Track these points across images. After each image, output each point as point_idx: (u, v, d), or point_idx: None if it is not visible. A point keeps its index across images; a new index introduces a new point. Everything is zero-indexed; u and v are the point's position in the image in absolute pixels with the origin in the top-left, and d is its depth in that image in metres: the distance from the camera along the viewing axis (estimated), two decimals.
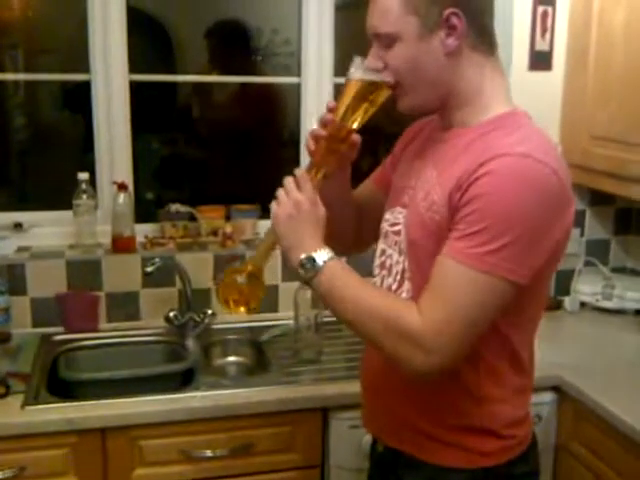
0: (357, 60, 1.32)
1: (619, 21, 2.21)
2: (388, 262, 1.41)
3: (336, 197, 1.46)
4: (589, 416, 1.95)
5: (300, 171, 1.34)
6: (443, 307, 1.19)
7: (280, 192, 1.32)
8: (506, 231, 1.15)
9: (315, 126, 1.37)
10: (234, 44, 2.67)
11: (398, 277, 1.37)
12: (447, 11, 1.23)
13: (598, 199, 2.63)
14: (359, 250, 1.66)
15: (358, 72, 1.32)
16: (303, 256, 1.27)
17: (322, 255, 1.27)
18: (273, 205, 1.33)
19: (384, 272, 1.42)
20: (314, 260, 1.26)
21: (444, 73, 1.28)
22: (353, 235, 1.58)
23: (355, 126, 1.35)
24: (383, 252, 1.43)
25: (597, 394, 1.94)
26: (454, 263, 1.18)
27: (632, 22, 2.16)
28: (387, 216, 1.44)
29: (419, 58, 1.27)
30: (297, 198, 1.30)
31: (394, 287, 1.38)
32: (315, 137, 1.35)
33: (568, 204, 1.25)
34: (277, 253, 2.36)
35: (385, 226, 1.44)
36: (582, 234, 2.68)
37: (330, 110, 1.34)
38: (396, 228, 1.39)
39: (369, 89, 1.32)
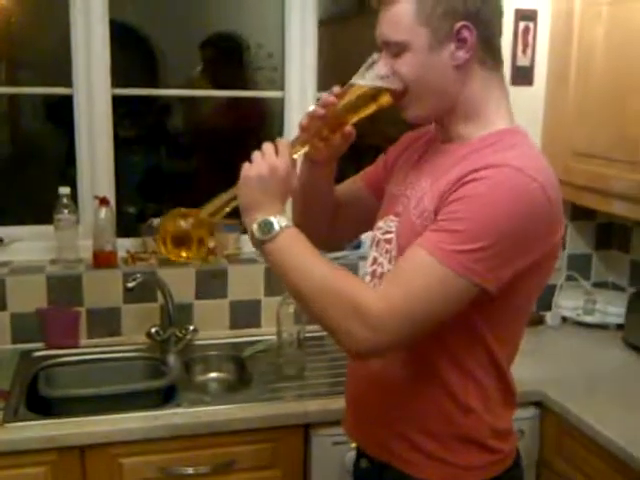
0: (370, 60, 1.32)
1: (599, 37, 2.23)
2: (379, 270, 1.41)
3: (318, 188, 1.47)
4: (572, 431, 1.95)
5: (282, 140, 1.32)
6: (403, 291, 1.18)
7: (256, 153, 1.30)
8: (483, 236, 1.16)
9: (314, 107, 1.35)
10: (228, 57, 2.68)
11: None
12: (458, 24, 1.24)
13: (579, 214, 2.65)
14: (329, 249, 1.66)
15: (368, 76, 1.31)
16: (261, 218, 1.25)
17: (281, 221, 1.24)
18: (245, 164, 1.30)
19: (375, 280, 1.41)
20: (272, 224, 1.24)
21: (451, 85, 1.29)
22: (327, 231, 1.56)
23: (351, 121, 1.35)
24: (375, 260, 1.43)
25: (579, 409, 1.95)
26: (425, 254, 1.17)
27: (612, 38, 2.18)
28: (380, 224, 1.44)
29: (427, 68, 1.27)
30: (272, 162, 1.28)
31: None
32: (311, 116, 1.34)
33: (554, 227, 1.25)
34: (260, 270, 2.43)
35: (377, 234, 1.43)
36: (563, 249, 2.69)
37: (335, 95, 1.32)
38: (388, 236, 1.39)
39: (374, 93, 1.31)
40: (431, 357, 1.32)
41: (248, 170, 1.29)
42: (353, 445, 1.54)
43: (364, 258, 1.50)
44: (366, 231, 1.60)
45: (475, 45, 1.26)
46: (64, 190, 2.30)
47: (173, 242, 1.36)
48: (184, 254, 1.37)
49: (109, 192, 2.42)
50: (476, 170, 1.20)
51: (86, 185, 2.43)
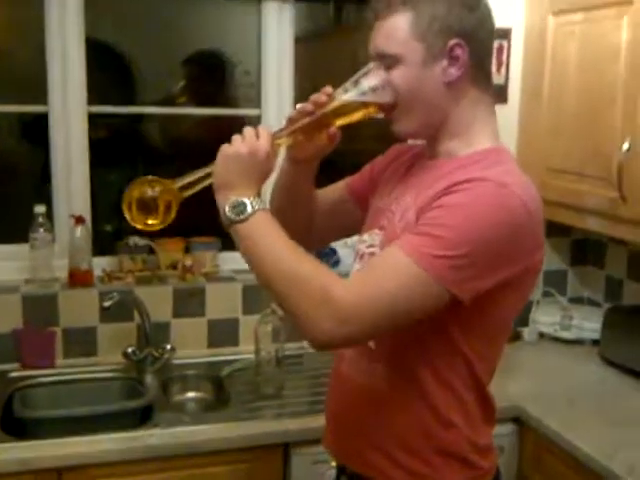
0: (365, 68, 1.32)
1: (572, 55, 2.26)
2: None
3: (298, 187, 1.47)
4: (550, 447, 1.96)
5: (264, 126, 1.32)
6: (373, 286, 1.18)
7: (236, 136, 1.29)
8: (462, 245, 1.16)
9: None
10: (211, 74, 2.68)
11: None
12: (452, 42, 1.26)
13: (555, 230, 2.66)
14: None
15: (360, 85, 1.31)
16: (234, 198, 1.24)
17: (254, 202, 1.23)
18: (224, 145, 1.29)
19: None
20: (245, 205, 1.23)
21: (441, 101, 1.30)
22: (304, 232, 1.53)
23: (338, 123, 1.35)
24: None
25: (557, 425, 1.96)
26: (403, 254, 1.17)
27: (584, 56, 2.21)
28: (364, 237, 1.44)
29: (419, 83, 1.28)
30: (252, 144, 1.27)
31: None
32: (300, 111, 1.33)
33: (535, 244, 1.27)
34: (238, 288, 2.42)
35: (362, 247, 1.44)
36: None
37: (327, 96, 1.32)
38: (372, 249, 1.39)
39: (364, 103, 1.32)
40: (415, 370, 1.32)
41: (227, 149, 1.28)
42: (333, 463, 1.54)
43: (346, 275, 1.50)
44: (343, 237, 1.62)
45: (467, 63, 1.28)
46: (39, 209, 2.28)
47: (139, 207, 1.32)
48: (150, 221, 1.32)
49: (85, 210, 2.40)
50: (460, 182, 1.21)
51: (62, 203, 2.41)
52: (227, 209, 1.23)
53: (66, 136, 2.38)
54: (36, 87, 2.37)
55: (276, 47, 2.51)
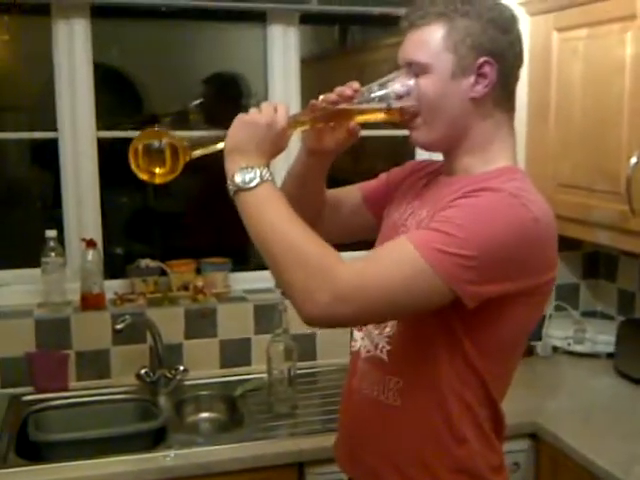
0: (393, 75, 1.33)
1: (577, 71, 2.27)
2: None
3: (310, 179, 1.47)
4: (567, 462, 1.95)
5: (282, 103, 1.31)
6: (377, 271, 1.17)
7: (253, 109, 1.29)
8: (471, 246, 1.16)
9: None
10: (229, 95, 2.70)
11: None
12: (482, 59, 1.27)
13: (566, 244, 2.63)
14: None
15: (385, 89, 1.32)
16: (244, 164, 1.23)
17: (265, 173, 1.23)
18: (242, 113, 1.29)
19: None
20: (254, 173, 1.22)
21: (464, 116, 1.31)
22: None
23: (358, 120, 1.35)
24: None
25: (573, 439, 1.95)
26: (411, 246, 1.17)
27: (589, 72, 2.22)
28: None
29: (445, 94, 1.29)
30: (270, 116, 1.27)
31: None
32: (324, 99, 1.33)
33: (545, 266, 1.27)
34: (249, 308, 2.43)
35: None
36: None
37: (352, 90, 1.32)
38: None
39: (387, 106, 1.33)
40: (428, 384, 1.32)
41: (244, 116, 1.28)
42: None
43: None
44: (348, 238, 1.60)
45: (494, 82, 1.29)
46: (51, 233, 2.30)
47: (145, 156, 1.29)
48: (157, 170, 1.30)
49: (96, 234, 2.42)
50: (475, 190, 1.22)
51: (73, 227, 2.43)
52: (236, 175, 1.23)
53: (76, 161, 2.40)
54: (47, 113, 2.39)
55: (282, 69, 2.53)
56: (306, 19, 2.55)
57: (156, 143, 1.29)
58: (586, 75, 2.24)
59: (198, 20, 2.51)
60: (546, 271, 1.27)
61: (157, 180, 1.31)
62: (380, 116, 1.34)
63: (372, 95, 1.32)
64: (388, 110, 1.32)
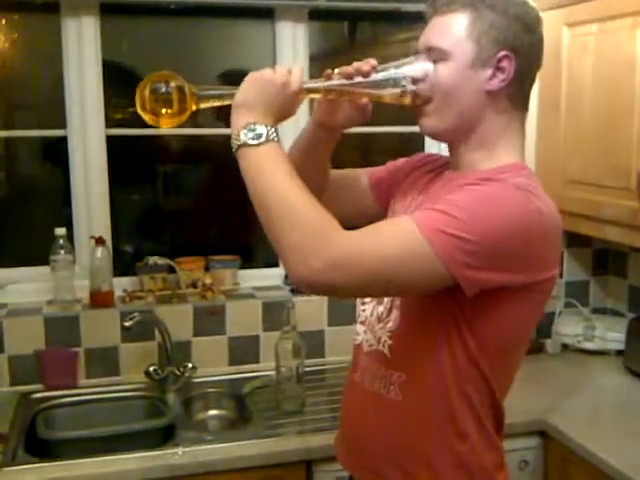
0: (410, 58, 1.32)
1: (587, 68, 2.26)
2: None
3: (315, 152, 1.46)
4: (576, 460, 1.94)
5: (297, 67, 1.31)
6: (375, 243, 1.16)
7: (268, 69, 1.28)
8: (473, 231, 1.15)
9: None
10: None
11: (388, 305, 1.38)
12: (503, 52, 1.27)
13: (575, 241, 2.66)
14: None
15: (401, 71, 1.31)
16: (252, 120, 1.21)
17: (272, 132, 1.21)
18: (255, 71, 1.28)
19: (375, 300, 1.42)
20: (262, 131, 1.20)
21: (476, 108, 1.30)
22: None
23: (369, 98, 1.35)
24: None
25: (582, 437, 1.94)
26: (413, 224, 1.16)
27: (600, 67, 2.21)
28: None
29: (461, 83, 1.28)
30: (285, 76, 1.26)
31: (385, 315, 1.38)
32: (340, 71, 1.32)
33: (544, 265, 1.26)
34: (258, 305, 2.43)
35: None
36: (561, 276, 2.69)
37: (370, 66, 1.31)
38: None
39: (402, 88, 1.32)
40: (431, 379, 1.32)
41: (257, 73, 1.27)
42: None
43: None
44: (348, 218, 1.57)
45: (510, 79, 1.28)
46: (60, 231, 2.31)
47: (152, 97, 1.27)
48: (163, 112, 1.27)
49: (105, 232, 2.42)
50: (482, 179, 1.23)
51: (82, 225, 2.44)
52: (242, 130, 1.21)
53: (85, 159, 2.41)
54: (57, 111, 2.40)
55: (291, 65, 2.52)
56: (315, 15, 2.54)
57: (164, 86, 1.27)
58: (596, 71, 2.23)
59: (207, 17, 2.51)
60: (548, 268, 1.27)
61: (162, 123, 1.29)
62: (393, 97, 1.33)
63: (388, 75, 1.32)
64: (402, 92, 1.31)
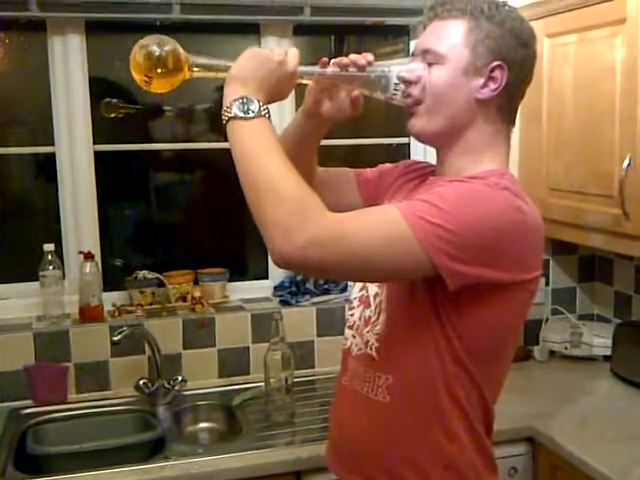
0: (405, 60, 1.36)
1: (568, 76, 2.28)
2: (365, 294, 1.44)
3: (303, 142, 1.47)
4: (565, 467, 1.95)
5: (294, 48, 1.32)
6: (358, 223, 1.17)
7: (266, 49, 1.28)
8: (457, 222, 1.17)
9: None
10: None
11: (377, 309, 1.39)
12: (496, 62, 1.30)
13: (561, 248, 2.68)
14: None
15: (394, 71, 1.33)
16: (245, 93, 1.21)
17: (264, 108, 1.21)
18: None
19: (363, 304, 1.44)
20: (254, 104, 1.20)
21: (466, 115, 1.32)
22: None
23: (360, 92, 1.37)
24: (364, 286, 1.45)
25: (571, 443, 1.95)
26: (397, 212, 1.18)
27: (580, 76, 2.24)
28: None
29: (453, 88, 1.31)
30: (283, 56, 1.27)
31: (373, 319, 1.39)
32: (337, 61, 1.34)
33: (525, 264, 1.28)
34: (247, 317, 2.43)
35: None
36: (547, 283, 2.71)
37: (366, 60, 1.33)
38: None
39: (394, 87, 1.34)
40: (419, 381, 1.33)
41: (256, 48, 1.28)
42: None
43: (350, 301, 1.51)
44: None
45: (501, 90, 1.31)
46: (49, 247, 2.32)
47: (146, 59, 1.26)
48: (155, 75, 1.27)
49: (94, 247, 2.44)
50: (470, 177, 1.27)
51: (71, 241, 2.45)
52: (234, 102, 1.21)
53: (73, 175, 2.43)
54: (47, 128, 2.42)
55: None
56: (300, 30, 2.57)
57: (158, 49, 1.27)
58: (577, 79, 2.26)
59: (193, 33, 2.52)
60: (531, 268, 1.29)
61: (152, 87, 1.29)
62: (384, 95, 1.35)
63: (382, 73, 1.34)
64: (394, 90, 1.34)
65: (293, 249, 1.12)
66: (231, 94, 1.23)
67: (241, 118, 1.20)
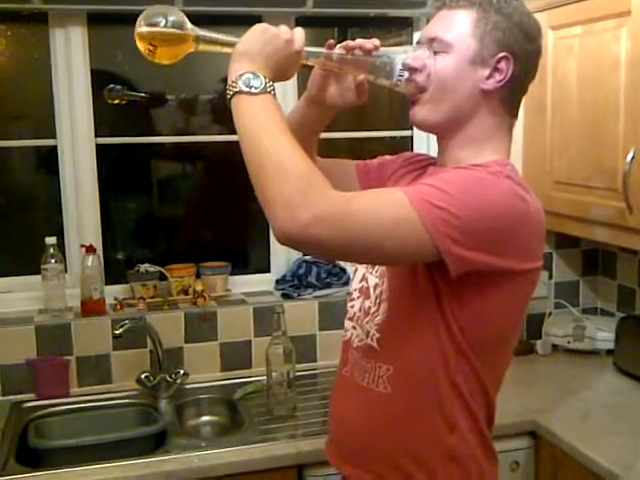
0: (411, 47, 1.34)
1: (573, 68, 2.27)
2: (365, 285, 1.43)
3: (305, 129, 1.45)
4: (567, 460, 1.94)
5: (299, 28, 1.31)
6: (364, 203, 1.16)
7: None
8: (462, 207, 1.16)
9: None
10: None
11: (377, 300, 1.39)
12: (502, 53, 1.29)
13: (564, 242, 2.67)
14: None
15: (399, 58, 1.32)
16: (252, 69, 1.20)
17: (270, 85, 1.20)
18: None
19: (363, 296, 1.43)
20: (260, 80, 1.19)
21: (469, 105, 1.32)
22: None
23: (365, 77, 1.37)
24: (363, 277, 1.45)
25: (573, 437, 1.95)
26: (402, 194, 1.17)
27: (585, 69, 2.22)
28: None
29: (459, 78, 1.30)
30: (289, 34, 1.26)
31: (373, 309, 1.39)
32: (343, 45, 1.34)
33: (527, 254, 1.27)
34: (249, 311, 2.43)
35: None
36: (550, 277, 2.71)
37: (373, 45, 1.32)
38: None
39: (399, 74, 1.33)
40: (420, 372, 1.32)
41: (262, 25, 1.26)
42: None
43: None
44: None
45: (506, 82, 1.30)
46: (50, 240, 2.32)
47: (151, 28, 1.26)
48: (159, 44, 1.27)
49: (96, 240, 2.43)
50: (474, 164, 1.26)
51: (73, 234, 2.45)
52: (242, 77, 1.20)
53: (75, 168, 2.42)
54: (49, 121, 2.42)
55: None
56: (303, 22, 2.55)
57: (163, 18, 1.26)
58: (582, 72, 2.24)
59: (195, 24, 2.50)
60: (532, 258, 1.29)
61: (157, 57, 1.28)
62: (389, 81, 1.34)
63: (388, 59, 1.33)
64: (399, 77, 1.33)
65: (297, 226, 1.10)
66: (237, 69, 1.21)
67: (247, 93, 1.19)
